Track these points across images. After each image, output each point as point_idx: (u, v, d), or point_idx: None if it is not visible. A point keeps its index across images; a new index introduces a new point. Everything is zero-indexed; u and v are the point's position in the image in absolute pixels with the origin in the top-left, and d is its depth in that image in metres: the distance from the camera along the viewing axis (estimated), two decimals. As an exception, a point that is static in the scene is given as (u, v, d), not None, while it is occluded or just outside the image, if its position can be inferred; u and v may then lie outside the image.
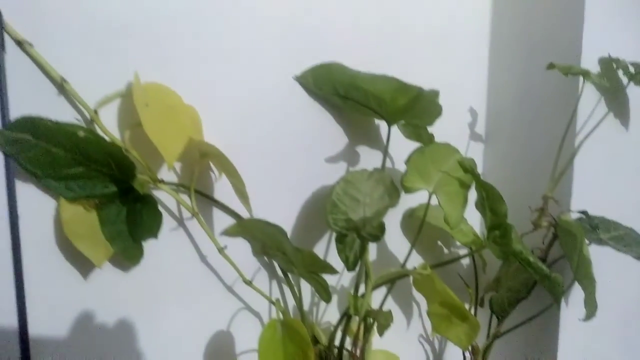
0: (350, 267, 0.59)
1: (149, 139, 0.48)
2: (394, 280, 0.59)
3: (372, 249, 0.72)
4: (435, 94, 0.59)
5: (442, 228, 0.70)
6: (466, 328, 0.57)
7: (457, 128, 0.79)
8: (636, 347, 0.86)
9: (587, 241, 0.63)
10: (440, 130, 0.66)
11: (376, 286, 0.59)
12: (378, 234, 0.54)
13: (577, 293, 0.71)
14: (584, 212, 0.66)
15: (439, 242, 0.80)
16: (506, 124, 0.80)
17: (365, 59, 0.66)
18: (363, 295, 0.58)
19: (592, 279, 0.60)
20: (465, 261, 0.82)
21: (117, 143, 0.50)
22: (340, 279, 0.71)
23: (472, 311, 0.77)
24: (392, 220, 0.74)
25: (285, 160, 0.64)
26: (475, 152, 0.82)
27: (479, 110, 0.81)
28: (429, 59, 0.74)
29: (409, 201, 0.75)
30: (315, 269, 0.59)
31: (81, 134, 0.46)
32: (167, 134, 0.49)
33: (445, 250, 0.80)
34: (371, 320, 0.58)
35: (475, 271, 0.75)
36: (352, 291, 0.60)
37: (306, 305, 0.68)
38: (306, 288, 0.68)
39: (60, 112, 0.50)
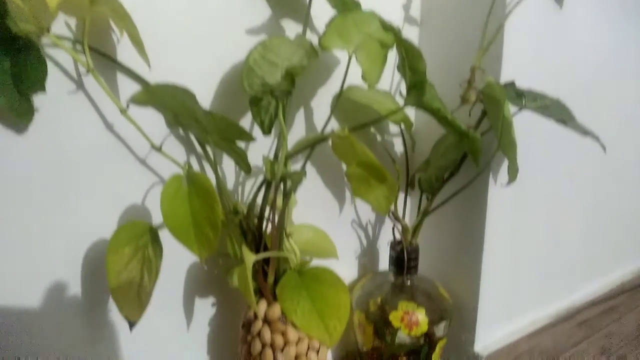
0: (265, 130, 0.56)
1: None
2: (313, 145, 0.57)
3: (300, 128, 0.70)
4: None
5: (371, 107, 0.68)
6: (385, 190, 0.56)
7: (391, 11, 0.76)
8: (560, 215, 0.89)
9: (512, 109, 0.62)
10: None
11: (295, 152, 0.57)
12: (289, 88, 0.51)
13: (503, 170, 0.72)
14: (511, 83, 0.65)
15: (372, 129, 0.78)
16: (441, 3, 0.76)
17: None
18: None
19: (513, 142, 0.60)
20: (398, 148, 0.81)
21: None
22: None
23: (403, 194, 0.77)
24: (322, 104, 0.71)
25: (201, 30, 0.59)
26: (411, 36, 0.79)
27: (413, -11, 0.78)
28: None
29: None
30: (230, 136, 0.56)
31: None
32: (46, -29, 0.44)
33: (379, 138, 0.79)
34: (289, 183, 0.56)
35: (406, 154, 0.75)
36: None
37: (230, 185, 0.66)
38: (230, 169, 0.65)
39: None
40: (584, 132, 0.61)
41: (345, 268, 0.81)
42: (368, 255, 0.84)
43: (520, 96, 0.63)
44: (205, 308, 0.68)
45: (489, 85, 0.59)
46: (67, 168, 0.53)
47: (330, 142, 0.58)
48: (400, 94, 0.77)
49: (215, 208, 0.47)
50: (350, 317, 0.77)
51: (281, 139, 0.54)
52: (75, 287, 0.56)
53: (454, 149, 0.69)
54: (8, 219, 0.51)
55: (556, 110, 0.64)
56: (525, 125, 0.71)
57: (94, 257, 0.56)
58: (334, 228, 0.75)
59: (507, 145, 0.61)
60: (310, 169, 0.73)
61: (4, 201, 0.50)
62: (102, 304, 0.59)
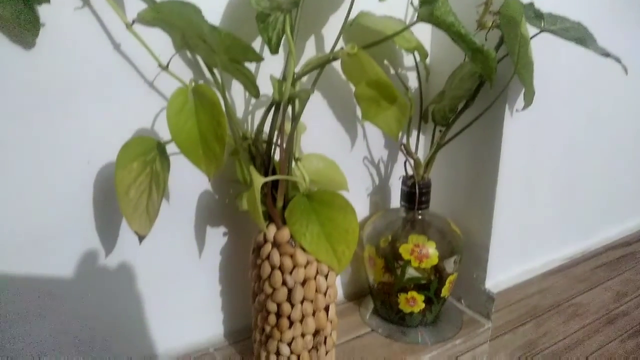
0: (273, 48, 0.55)
1: None
2: (323, 65, 0.55)
3: (309, 54, 0.68)
4: None
5: (384, 33, 0.66)
6: (395, 112, 0.55)
7: None
8: (579, 153, 0.86)
9: (531, 31, 0.59)
10: None
11: (304, 72, 0.55)
12: (296, -1, 0.50)
13: (519, 101, 0.70)
14: (530, 3, 0.62)
15: (385, 62, 0.76)
16: None
17: None
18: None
19: (530, 62, 0.58)
20: (413, 83, 0.79)
21: None
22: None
23: (416, 130, 0.76)
24: (332, 31, 0.69)
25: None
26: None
27: None
28: None
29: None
30: (237, 55, 0.55)
31: None
32: None
33: (392, 71, 0.77)
34: (297, 106, 0.55)
35: (420, 85, 0.73)
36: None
37: (240, 114, 0.66)
38: (239, 97, 0.65)
39: None
40: (605, 53, 0.59)
41: (357, 205, 0.80)
42: (380, 192, 0.83)
43: (540, 17, 0.60)
44: (217, 237, 0.68)
45: (506, 4, 0.56)
46: (74, 86, 0.53)
47: (340, 68, 0.56)
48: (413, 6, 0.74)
49: (221, 122, 0.47)
50: (361, 253, 0.77)
51: (289, 59, 0.53)
52: (86, 207, 0.57)
53: (469, 79, 0.67)
54: (14, 138, 0.51)
55: (576, 32, 0.61)
56: (545, 56, 0.68)
57: (104, 176, 0.57)
58: (346, 164, 0.74)
59: (523, 67, 0.58)
60: (321, 101, 0.71)
61: (10, 120, 0.51)
62: (113, 223, 0.59)
